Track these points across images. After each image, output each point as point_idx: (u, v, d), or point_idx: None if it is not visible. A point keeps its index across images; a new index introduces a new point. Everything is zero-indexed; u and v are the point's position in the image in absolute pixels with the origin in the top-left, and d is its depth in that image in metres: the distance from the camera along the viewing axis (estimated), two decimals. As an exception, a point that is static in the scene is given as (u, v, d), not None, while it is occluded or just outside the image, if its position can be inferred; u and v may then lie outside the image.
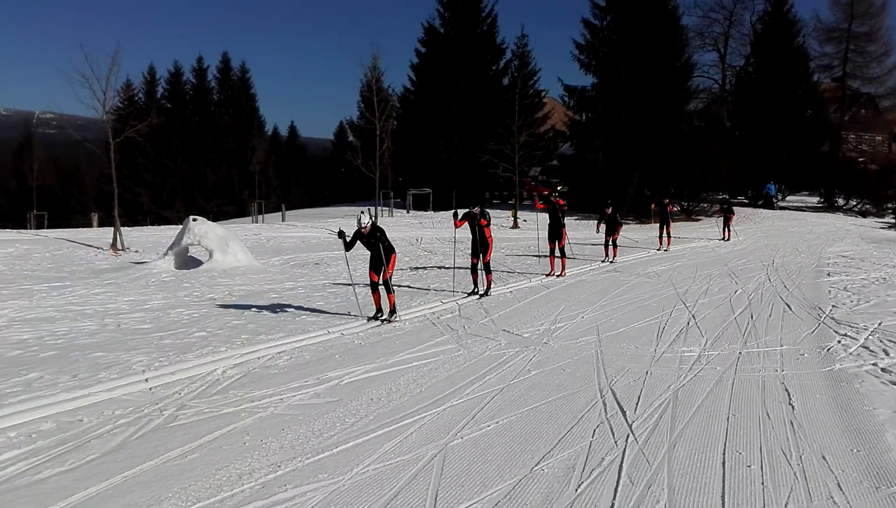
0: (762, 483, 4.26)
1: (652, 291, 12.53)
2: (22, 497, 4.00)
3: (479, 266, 12.24)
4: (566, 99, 43.73)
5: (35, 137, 66.31)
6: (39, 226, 33.28)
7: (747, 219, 37.11)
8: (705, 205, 39.74)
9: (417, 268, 16.01)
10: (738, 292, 12.25)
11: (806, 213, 40.84)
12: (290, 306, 10.66)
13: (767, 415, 5.55)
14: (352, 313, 10.03)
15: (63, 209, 52.05)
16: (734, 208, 29.49)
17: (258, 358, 7.42)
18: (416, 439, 4.98)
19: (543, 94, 50.36)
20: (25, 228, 31.62)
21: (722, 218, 27.29)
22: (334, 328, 8.98)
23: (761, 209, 41.19)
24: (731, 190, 42.69)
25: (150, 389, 6.21)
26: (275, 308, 10.45)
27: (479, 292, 12.08)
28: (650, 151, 38.01)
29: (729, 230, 26.77)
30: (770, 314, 10.10)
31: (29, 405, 5.59)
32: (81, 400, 5.75)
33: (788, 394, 6.11)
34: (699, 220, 37.92)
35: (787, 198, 45.95)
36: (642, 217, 38.38)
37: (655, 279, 14.19)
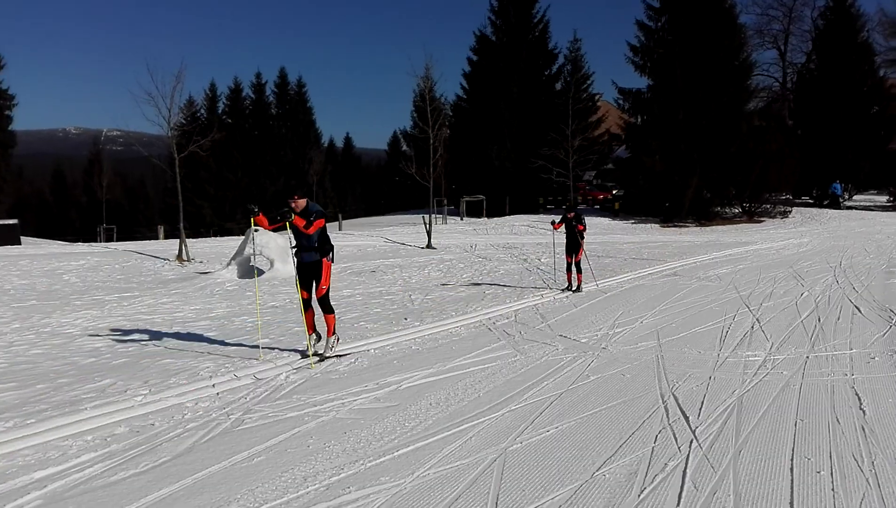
0: (832, 490, 4.13)
1: (714, 294, 12.24)
2: (99, 497, 4.18)
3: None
4: (621, 102, 43.22)
5: (104, 153, 69.25)
6: (109, 239, 34.72)
7: (812, 220, 35.87)
8: (768, 206, 38.60)
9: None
10: (804, 295, 11.86)
11: (874, 212, 39.21)
12: (348, 312, 10.84)
13: (837, 420, 5.37)
14: (407, 319, 10.12)
15: (130, 223, 54.18)
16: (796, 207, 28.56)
17: (318, 364, 7.57)
18: (475, 443, 5.00)
19: (597, 97, 49.87)
20: (96, 241, 33.04)
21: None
22: (392, 333, 9.10)
23: (827, 209, 39.78)
24: (794, 190, 41.37)
25: (218, 394, 6.41)
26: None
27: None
28: (709, 153, 37.17)
29: None
30: (838, 317, 9.75)
31: (103, 409, 5.85)
32: (153, 405, 5.99)
33: (859, 399, 5.90)
34: (762, 221, 36.86)
35: (854, 197, 44.21)
36: (702, 220, 37.55)
37: (717, 283, 13.86)
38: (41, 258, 19.01)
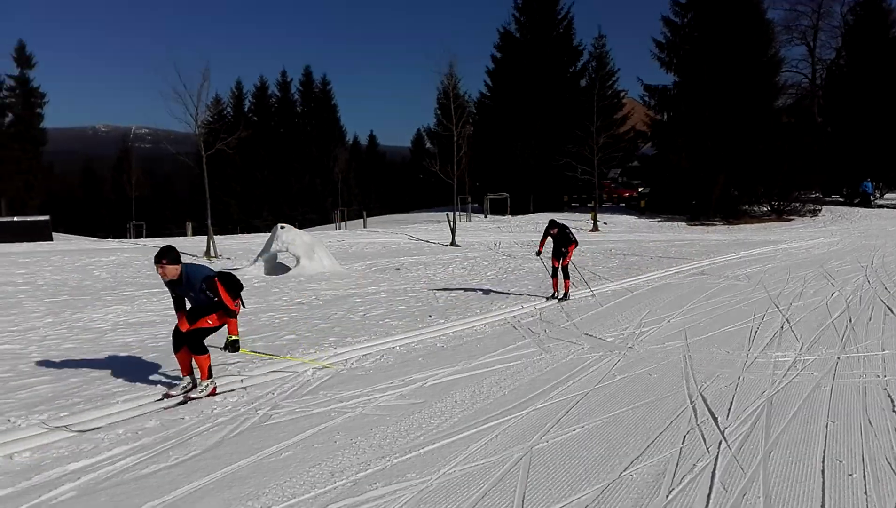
0: (865, 493, 4.06)
1: (742, 294, 12.10)
2: (131, 489, 4.26)
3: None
4: (646, 99, 42.84)
5: (132, 151, 70.31)
6: (138, 235, 35.26)
7: (843, 218, 35.24)
8: (797, 205, 37.99)
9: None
10: (834, 295, 11.67)
11: (908, 211, 38.38)
12: (373, 310, 10.89)
13: (869, 422, 5.28)
14: (432, 317, 10.15)
15: (159, 219, 54.94)
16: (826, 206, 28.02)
17: (345, 360, 7.63)
18: (501, 441, 5.01)
19: (622, 94, 49.46)
20: (125, 237, 33.57)
21: None
22: (416, 331, 9.12)
23: (858, 208, 39.00)
24: (824, 188, 40.66)
25: (246, 389, 6.49)
26: (359, 312, 10.70)
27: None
28: (736, 150, 36.69)
29: None
30: (870, 318, 9.58)
31: (134, 403, 5.96)
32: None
33: (892, 400, 5.79)
34: (791, 220, 36.30)
35: (886, 196, 43.27)
36: (730, 218, 37.08)
37: (746, 282, 13.69)
38: (73, 254, 19.37)
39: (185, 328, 6.25)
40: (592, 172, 36.13)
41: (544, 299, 11.87)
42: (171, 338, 6.47)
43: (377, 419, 5.53)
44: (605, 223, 35.52)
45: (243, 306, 6.62)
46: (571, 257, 12.26)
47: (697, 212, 37.91)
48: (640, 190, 46.11)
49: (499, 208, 44.31)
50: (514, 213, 42.50)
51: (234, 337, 6.27)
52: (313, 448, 4.92)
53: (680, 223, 37.21)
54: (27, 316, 10.60)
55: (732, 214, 37.68)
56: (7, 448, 4.87)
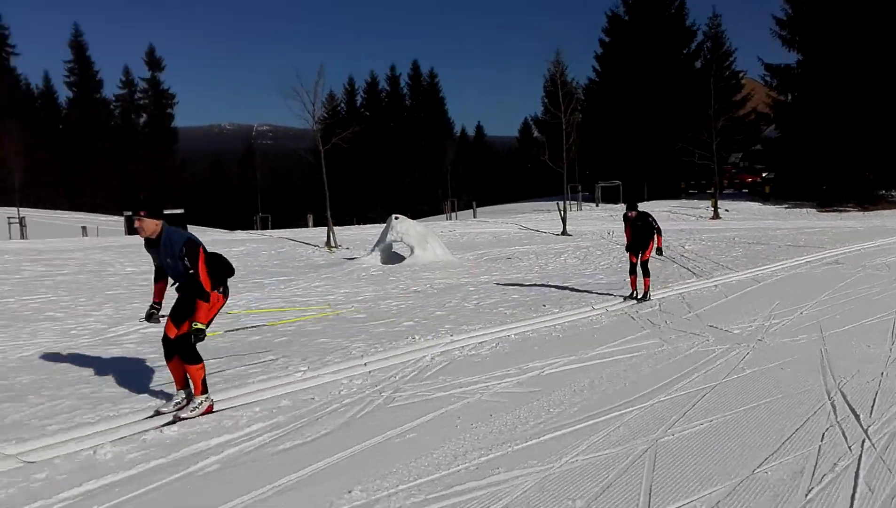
0: None
1: (882, 285, 11.21)
2: (268, 464, 4.53)
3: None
4: (768, 79, 40.47)
5: (255, 147, 74.30)
6: (264, 226, 37.22)
7: None
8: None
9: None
10: None
11: None
12: (486, 298, 10.97)
13: None
14: (546, 306, 10.09)
15: (282, 211, 57.67)
16: None
17: (461, 347, 7.74)
18: (623, 433, 4.92)
19: (741, 75, 47.01)
20: (252, 228, 35.55)
21: None
22: (530, 319, 9.11)
23: None
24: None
25: (370, 372, 6.74)
26: (473, 300, 10.81)
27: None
28: (871, 131, 33.89)
29: None
30: None
31: (269, 384, 6.32)
32: (312, 381, 6.40)
33: None
34: (939, 205, 33.20)
35: None
36: (865, 204, 34.41)
37: (886, 272, 12.67)
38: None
39: (172, 333, 5.40)
40: (711, 157, 34.57)
41: (622, 299, 10.56)
42: (304, 321, 6.74)
43: (496, 406, 5.58)
44: (726, 210, 33.91)
45: (226, 297, 5.70)
46: (653, 252, 10.61)
47: (828, 197, 35.42)
48: (763, 175, 43.64)
49: (611, 197, 43.31)
50: (627, 201, 41.43)
51: (199, 325, 5.25)
52: (435, 431, 5.03)
53: (809, 210, 34.89)
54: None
55: (868, 199, 34.95)
56: (158, 422, 5.30)
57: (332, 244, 20.68)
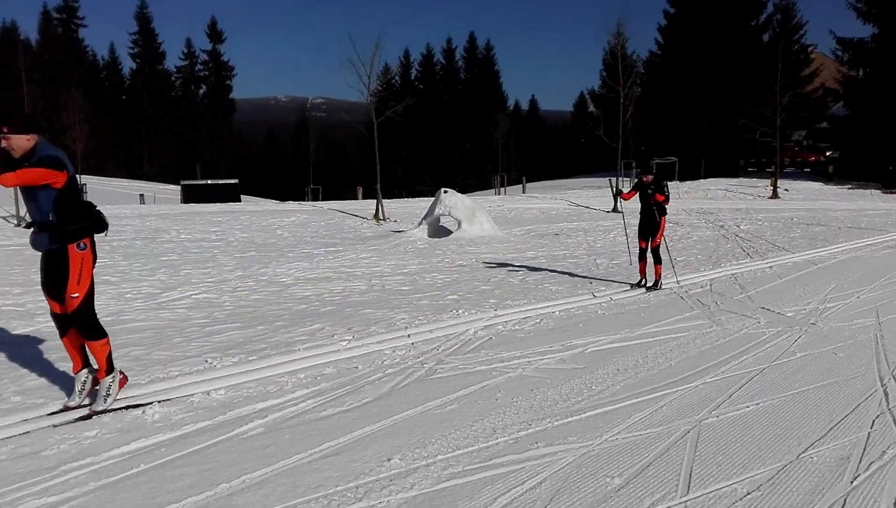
0: None
1: (951, 271, 10.71)
2: (311, 430, 4.63)
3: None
4: (839, 53, 38.70)
5: (309, 120, 75.12)
6: (315, 198, 37.74)
7: None
8: None
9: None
10: None
11: None
12: (532, 274, 10.90)
13: None
14: (593, 283, 9.97)
15: (333, 183, 58.37)
16: None
17: (505, 322, 7.73)
18: (666, 412, 4.85)
19: (811, 49, 45.06)
20: (304, 200, 36.09)
21: None
22: (576, 296, 9.02)
23: None
24: None
25: (413, 344, 6.79)
26: (518, 276, 10.76)
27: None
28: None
29: None
30: None
31: (314, 351, 6.44)
32: (356, 350, 6.50)
33: None
34: None
35: None
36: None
37: (955, 258, 12.09)
38: (258, 215, 21.18)
39: (56, 308, 4.64)
40: (774, 134, 33.39)
41: (634, 286, 9.69)
42: (351, 290, 6.67)
43: (537, 382, 5.57)
44: (785, 190, 32.81)
45: (95, 258, 4.72)
46: (662, 237, 9.70)
47: (894, 178, 33.84)
48: (827, 154, 41.94)
49: (665, 174, 42.31)
50: (683, 178, 40.37)
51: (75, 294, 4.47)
52: (476, 403, 5.05)
53: (874, 191, 33.42)
54: (220, 269, 11.76)
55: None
56: (205, 386, 5.46)
57: (381, 217, 20.83)
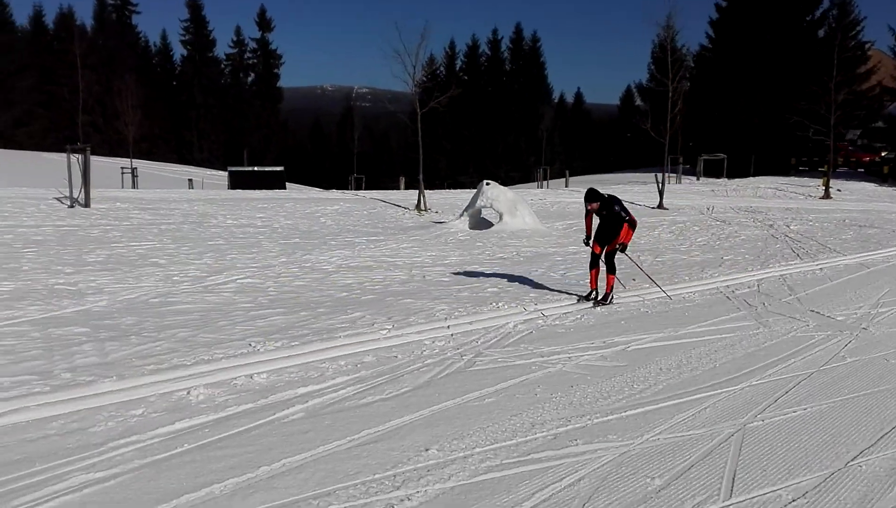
0: None
1: None
2: (350, 416, 4.67)
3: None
4: (899, 50, 37.17)
5: (354, 109, 75.53)
6: (358, 187, 38.01)
7: None
8: None
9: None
10: None
11: None
12: (573, 270, 10.80)
13: None
14: (635, 280, 9.83)
15: (376, 173, 58.68)
16: None
17: (545, 317, 7.68)
18: (710, 414, 4.76)
19: (868, 46, 43.53)
20: (347, 188, 36.38)
21: None
22: (618, 293, 8.89)
23: None
24: None
25: (452, 335, 6.80)
26: (559, 271, 10.67)
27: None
28: None
29: None
30: None
31: (354, 339, 6.51)
32: (396, 339, 6.55)
33: None
34: None
35: None
36: None
37: None
38: (302, 202, 21.43)
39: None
40: (828, 132, 32.31)
41: (581, 299, 8.43)
42: (392, 279, 6.76)
43: (577, 378, 5.52)
44: (838, 190, 31.81)
45: None
46: (627, 242, 8.34)
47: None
48: (883, 154, 40.48)
49: (713, 171, 41.37)
50: (731, 176, 39.45)
51: None
52: (514, 397, 5.04)
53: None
54: (265, 255, 11.94)
55: None
56: (248, 369, 5.56)
57: (422, 208, 20.87)
